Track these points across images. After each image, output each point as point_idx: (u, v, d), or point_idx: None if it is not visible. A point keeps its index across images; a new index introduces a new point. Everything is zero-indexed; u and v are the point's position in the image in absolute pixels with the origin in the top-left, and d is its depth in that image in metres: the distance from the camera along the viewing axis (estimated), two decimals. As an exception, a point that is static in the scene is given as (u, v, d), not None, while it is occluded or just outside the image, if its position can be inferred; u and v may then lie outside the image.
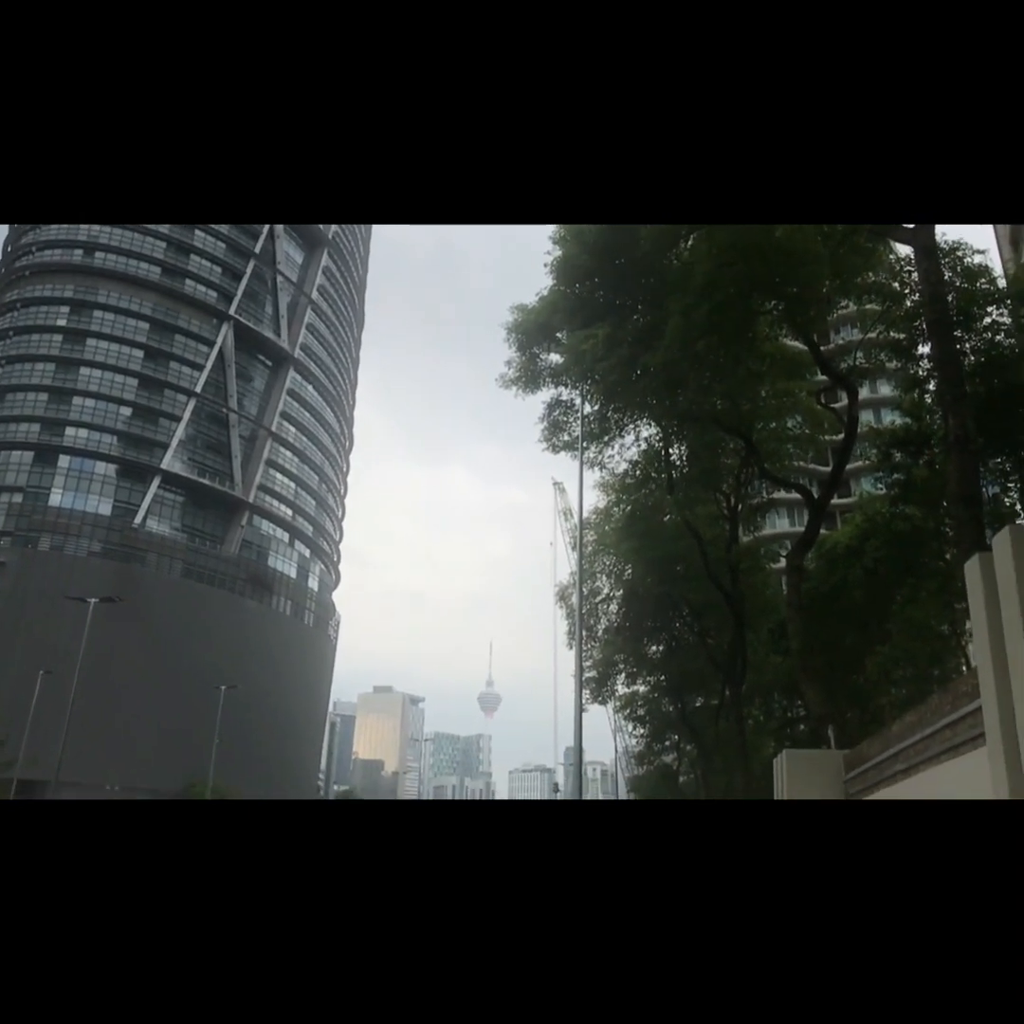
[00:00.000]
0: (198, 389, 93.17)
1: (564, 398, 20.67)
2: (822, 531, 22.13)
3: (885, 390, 56.60)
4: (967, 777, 5.25)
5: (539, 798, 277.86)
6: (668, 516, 24.80)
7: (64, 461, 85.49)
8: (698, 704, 35.03)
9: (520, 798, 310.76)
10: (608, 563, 30.05)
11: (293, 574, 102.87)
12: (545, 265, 17.09)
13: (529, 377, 19.55)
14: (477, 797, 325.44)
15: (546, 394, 20.66)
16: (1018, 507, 18.45)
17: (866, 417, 20.64)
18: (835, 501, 48.05)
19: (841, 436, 17.38)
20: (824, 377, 20.76)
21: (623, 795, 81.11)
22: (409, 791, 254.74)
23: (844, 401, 17.93)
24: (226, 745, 67.70)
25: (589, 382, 17.57)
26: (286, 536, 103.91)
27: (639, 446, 21.74)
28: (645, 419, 19.67)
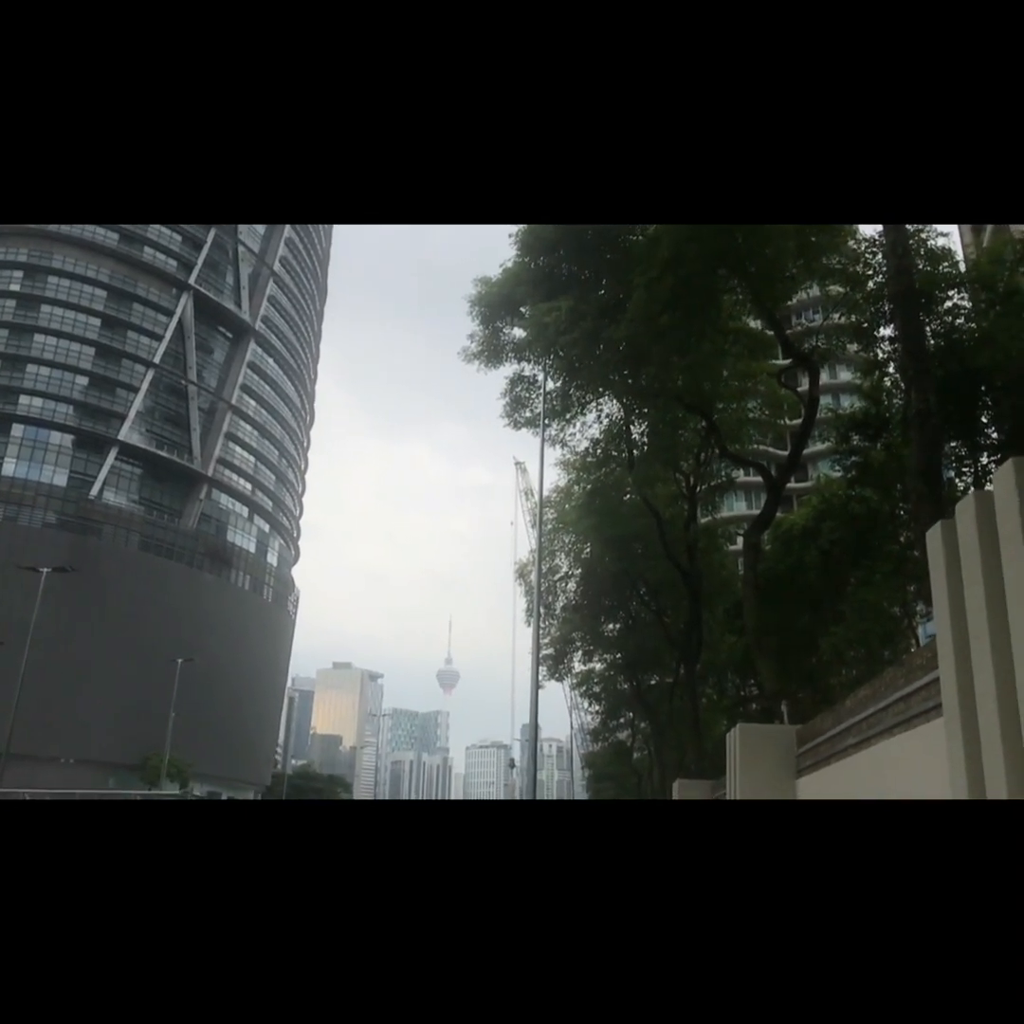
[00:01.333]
0: (156, 360, 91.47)
1: (526, 374, 20.59)
2: (779, 514, 22.33)
3: (844, 375, 57.42)
4: (920, 749, 5.31)
5: (495, 773, 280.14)
6: (628, 495, 24.86)
7: (18, 430, 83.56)
8: (653, 682, 35.35)
9: (476, 773, 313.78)
10: (567, 541, 30.10)
11: (252, 549, 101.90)
12: (510, 236, 16.92)
13: (492, 351, 19.40)
14: (434, 771, 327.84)
15: (508, 369, 20.57)
16: (972, 492, 18.71)
17: (825, 402, 20.73)
18: (793, 485, 48.82)
19: (799, 421, 17.48)
20: (785, 361, 20.87)
21: (578, 770, 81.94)
22: (367, 766, 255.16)
23: (805, 385, 18.04)
24: (184, 719, 67.20)
25: (552, 356, 17.47)
26: (245, 511, 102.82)
27: (601, 424, 21.76)
28: (607, 396, 19.64)
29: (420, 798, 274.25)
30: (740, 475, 31.04)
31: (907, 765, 5.63)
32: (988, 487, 4.93)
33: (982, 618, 4.13)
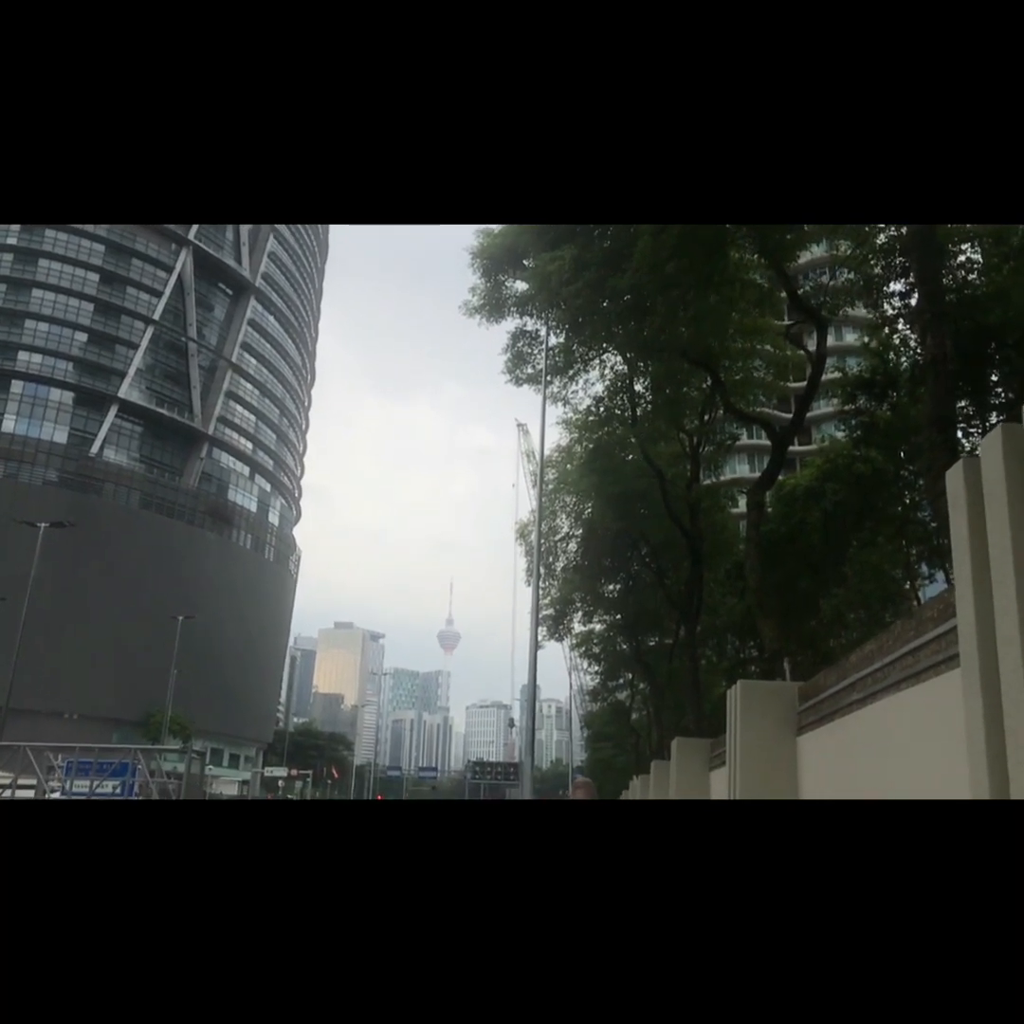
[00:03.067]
0: (156, 316, 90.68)
1: (529, 329, 20.21)
2: (781, 476, 22.14)
3: (849, 338, 56.84)
4: (929, 704, 5.14)
5: (495, 732, 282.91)
6: (630, 455, 24.62)
7: (17, 386, 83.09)
8: (652, 643, 35.36)
9: (476, 732, 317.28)
10: (568, 501, 29.88)
11: (253, 508, 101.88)
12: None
13: (493, 305, 19.00)
14: (434, 730, 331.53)
15: (510, 324, 20.21)
16: (1000, 425, 18.42)
17: (830, 363, 20.39)
18: (796, 448, 48.49)
19: (804, 383, 17.16)
20: (790, 322, 20.48)
21: (577, 730, 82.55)
22: (368, 724, 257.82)
23: (811, 344, 17.68)
24: (187, 676, 67.63)
25: (555, 309, 17.13)
26: (246, 470, 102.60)
27: (604, 380, 21.40)
28: (610, 350, 19.29)
29: (421, 754, 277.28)
30: (744, 436, 30.72)
31: (914, 720, 5.46)
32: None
33: (1007, 561, 3.91)
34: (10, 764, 27.29)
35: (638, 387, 21.02)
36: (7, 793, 26.30)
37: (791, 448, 17.58)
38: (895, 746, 5.90)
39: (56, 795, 27.48)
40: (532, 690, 22.10)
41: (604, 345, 19.33)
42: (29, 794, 26.52)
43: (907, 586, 24.69)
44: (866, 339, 21.19)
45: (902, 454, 21.20)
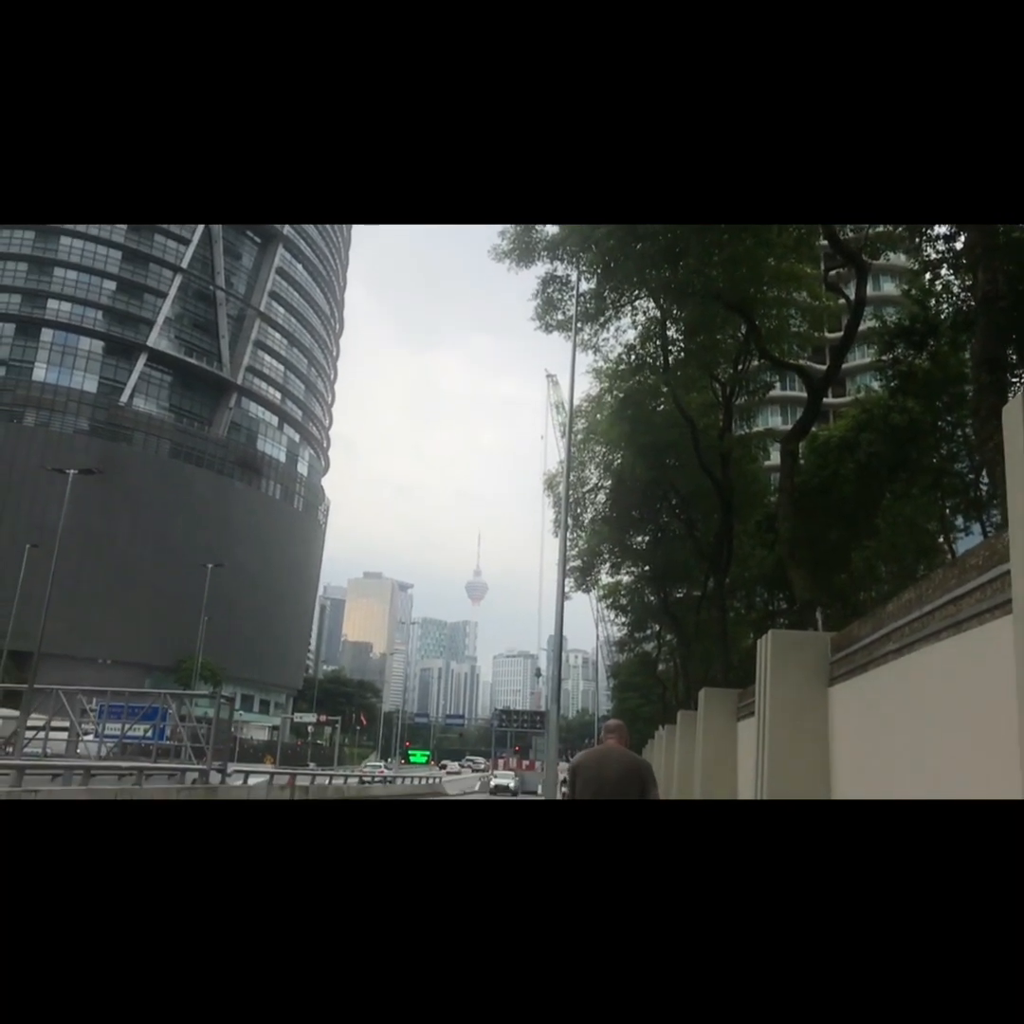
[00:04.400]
0: (184, 264, 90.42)
1: (559, 273, 19.78)
2: (814, 429, 21.75)
3: (888, 287, 55.50)
4: (969, 654, 4.97)
5: (522, 682, 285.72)
6: (662, 405, 24.24)
7: (47, 335, 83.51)
8: (680, 595, 35.22)
9: (503, 681, 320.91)
10: (598, 452, 29.58)
11: (282, 458, 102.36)
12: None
13: (523, 248, 18.56)
14: (462, 679, 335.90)
15: (540, 269, 19.79)
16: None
17: (867, 313, 19.83)
18: (831, 400, 47.55)
19: (840, 334, 16.66)
20: (828, 269, 19.88)
21: (603, 680, 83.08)
22: (396, 672, 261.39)
23: (850, 291, 17.15)
24: (217, 624, 68.68)
25: (586, 252, 16.71)
26: (275, 420, 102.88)
27: (635, 327, 20.96)
28: (643, 296, 18.85)
29: (449, 702, 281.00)
30: (777, 387, 30.03)
31: (953, 671, 5.29)
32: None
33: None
34: (44, 707, 27.90)
35: (671, 333, 20.56)
36: (41, 734, 26.93)
37: (826, 400, 17.18)
38: (931, 697, 5.75)
39: (90, 738, 28.09)
40: (558, 640, 22.11)
41: (636, 292, 18.90)
42: (63, 736, 27.14)
43: (941, 540, 24.29)
44: (905, 287, 20.58)
45: (940, 404, 20.70)
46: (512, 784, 59.38)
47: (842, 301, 22.06)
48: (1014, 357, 16.94)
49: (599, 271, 17.65)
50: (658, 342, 20.62)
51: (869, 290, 15.65)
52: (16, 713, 29.21)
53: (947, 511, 23.10)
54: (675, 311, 18.88)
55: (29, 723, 27.08)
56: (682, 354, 20.77)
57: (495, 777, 63.51)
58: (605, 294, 19.03)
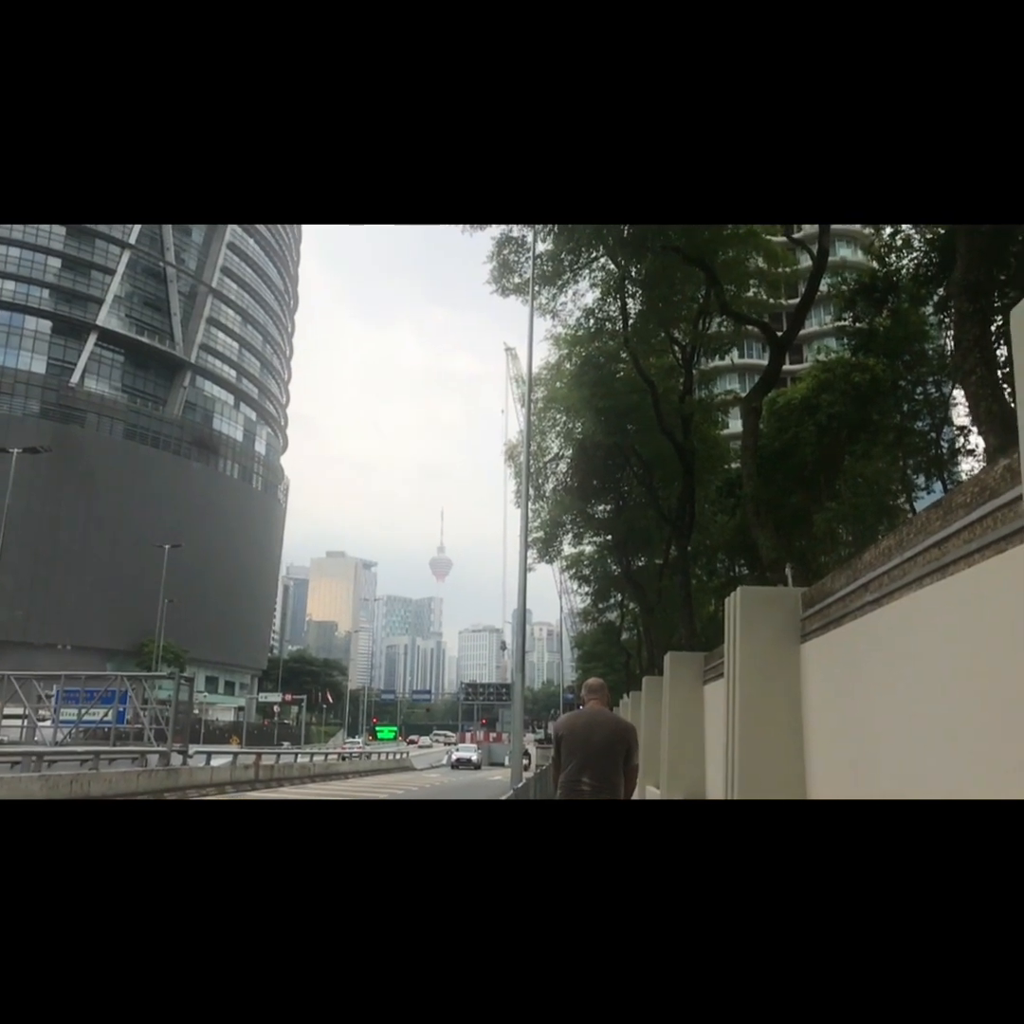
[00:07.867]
0: (132, 241, 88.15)
1: (515, 234, 19.35)
2: (774, 393, 21.62)
3: (845, 253, 56.00)
4: (956, 599, 4.72)
5: (487, 656, 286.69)
6: (621, 371, 23.96)
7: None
8: (642, 563, 35.26)
9: (469, 656, 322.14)
10: (558, 419, 29.26)
11: (239, 437, 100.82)
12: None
13: (477, 209, 18.13)
14: (428, 655, 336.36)
15: (495, 231, 19.33)
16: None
17: (826, 281, 19.67)
18: (789, 366, 47.86)
19: (798, 301, 16.41)
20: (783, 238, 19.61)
21: (568, 652, 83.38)
22: (362, 650, 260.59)
23: (807, 260, 16.91)
24: (179, 606, 67.78)
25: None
26: (231, 398, 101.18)
27: (594, 287, 20.58)
28: (601, 254, 18.45)
29: (415, 679, 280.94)
30: (735, 355, 29.77)
31: (937, 618, 5.04)
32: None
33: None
34: (-1, 695, 27.20)
35: (630, 291, 20.22)
36: (-4, 723, 26.33)
37: (785, 366, 16.95)
38: (912, 649, 5.51)
39: (46, 724, 27.44)
40: (522, 612, 21.91)
41: (594, 252, 18.51)
42: (16, 723, 26.49)
43: (902, 500, 24.40)
44: (870, 236, 20.44)
45: (900, 364, 20.69)
46: (475, 757, 59.37)
47: (800, 266, 21.89)
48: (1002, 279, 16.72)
49: (556, 231, 17.26)
50: (617, 297, 20.27)
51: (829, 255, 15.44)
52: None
53: (909, 470, 23.20)
54: (634, 269, 18.51)
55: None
56: (643, 307, 20.42)
57: (457, 750, 63.44)
58: (563, 256, 18.63)
